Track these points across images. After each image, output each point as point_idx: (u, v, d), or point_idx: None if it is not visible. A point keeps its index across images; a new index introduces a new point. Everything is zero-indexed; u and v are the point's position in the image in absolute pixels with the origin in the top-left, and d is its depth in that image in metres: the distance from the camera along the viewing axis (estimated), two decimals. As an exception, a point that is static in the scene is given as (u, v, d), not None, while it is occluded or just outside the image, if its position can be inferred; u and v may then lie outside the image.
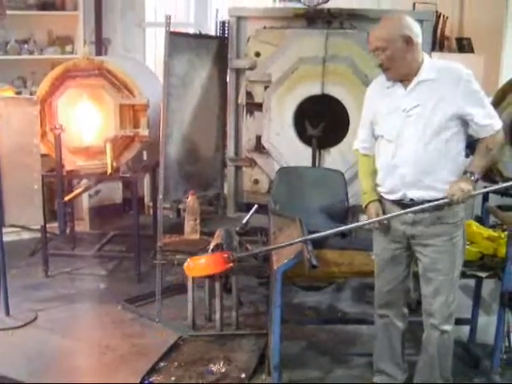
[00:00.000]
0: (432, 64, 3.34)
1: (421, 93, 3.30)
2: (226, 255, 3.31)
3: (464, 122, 3.29)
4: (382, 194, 3.52)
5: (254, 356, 4.12)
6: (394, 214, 3.40)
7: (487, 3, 8.37)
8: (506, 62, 7.75)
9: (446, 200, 3.25)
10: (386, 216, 3.45)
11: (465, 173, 3.28)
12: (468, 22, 9.00)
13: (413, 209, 3.33)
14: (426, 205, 3.31)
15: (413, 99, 3.31)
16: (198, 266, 3.29)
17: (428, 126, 3.26)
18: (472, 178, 3.26)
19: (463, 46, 8.96)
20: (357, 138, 3.74)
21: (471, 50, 8.89)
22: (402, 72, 3.31)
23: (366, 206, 3.59)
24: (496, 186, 3.92)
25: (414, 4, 8.43)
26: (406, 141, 3.32)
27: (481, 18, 8.59)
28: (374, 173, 3.56)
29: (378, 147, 3.52)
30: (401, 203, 3.40)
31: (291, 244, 3.30)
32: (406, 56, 3.27)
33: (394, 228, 3.49)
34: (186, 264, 3.30)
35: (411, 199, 3.35)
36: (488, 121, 3.26)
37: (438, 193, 3.30)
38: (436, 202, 3.28)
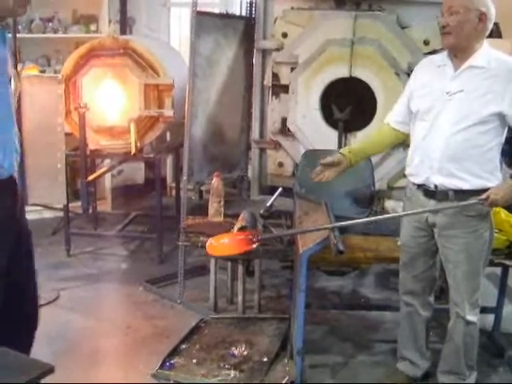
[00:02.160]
0: (488, 52, 3.23)
1: (469, 78, 3.21)
2: (250, 236, 3.24)
3: (505, 120, 3.20)
4: (408, 176, 3.47)
5: (276, 340, 4.07)
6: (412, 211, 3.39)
7: (515, -13, 8.24)
8: (534, 47, 7.63)
9: (476, 201, 3.18)
10: (405, 213, 3.44)
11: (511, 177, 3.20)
12: (496, 7, 8.86)
13: (433, 209, 3.32)
14: (435, 177, 3.28)
15: (459, 83, 3.22)
16: (221, 245, 3.23)
17: (466, 115, 3.18)
18: None
19: (491, 31, 8.82)
20: (392, 111, 3.65)
21: (499, 35, 8.76)
22: (461, 43, 3.19)
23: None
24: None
25: (443, -13, 8.31)
26: (441, 124, 3.25)
27: (509, 2, 8.45)
28: (380, 145, 3.58)
29: (413, 126, 3.45)
30: (424, 188, 3.35)
31: (319, 229, 3.25)
32: (473, 31, 3.16)
33: (418, 215, 3.44)
34: (208, 243, 3.23)
35: (435, 185, 3.30)
36: None
37: (461, 182, 3.24)
38: (466, 203, 3.21)
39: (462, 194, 3.26)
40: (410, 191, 3.50)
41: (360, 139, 5.19)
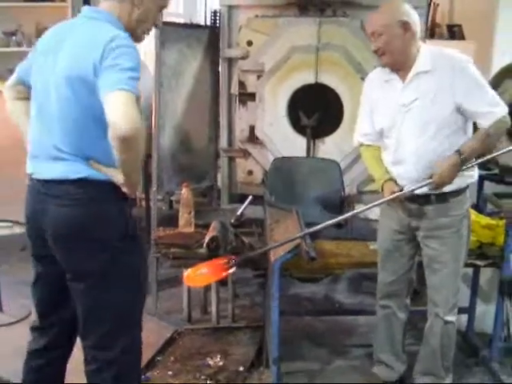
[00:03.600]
0: (428, 53, 3.25)
1: (419, 85, 3.23)
2: (225, 260, 3.25)
3: (464, 115, 3.22)
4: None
5: (251, 349, 4.09)
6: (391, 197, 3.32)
7: (477, -12, 8.35)
8: (498, 48, 7.70)
9: (429, 181, 3.19)
10: (383, 200, 3.37)
11: (456, 151, 3.16)
12: (459, 9, 8.96)
13: (398, 193, 3.29)
14: (411, 187, 3.25)
15: (411, 93, 3.25)
16: (199, 275, 3.23)
17: (429, 121, 3.20)
18: (461, 157, 3.13)
19: (454, 32, 8.92)
20: (357, 132, 3.63)
21: (462, 37, 8.85)
22: (398, 58, 3.24)
23: (382, 189, 3.44)
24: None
25: (406, -10, 8.38)
26: (407, 136, 3.27)
27: (471, 4, 8.54)
28: (380, 157, 3.49)
29: (382, 142, 3.46)
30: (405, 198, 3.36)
31: (291, 241, 3.24)
32: (403, 42, 3.20)
33: (399, 218, 3.46)
34: (185, 274, 3.26)
35: (417, 194, 3.30)
36: (488, 108, 3.15)
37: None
38: (419, 184, 3.22)
39: (444, 196, 3.29)
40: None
41: (330, 147, 5.24)
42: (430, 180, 3.18)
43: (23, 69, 2.78)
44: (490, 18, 7.75)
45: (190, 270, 3.25)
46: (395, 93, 3.31)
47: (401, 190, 3.30)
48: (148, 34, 2.79)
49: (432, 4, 8.34)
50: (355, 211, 3.32)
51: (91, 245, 2.56)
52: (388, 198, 3.31)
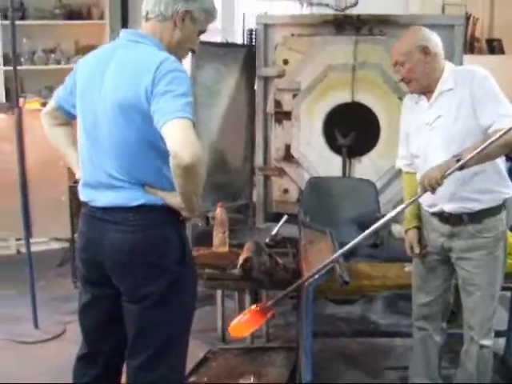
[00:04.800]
0: (451, 72, 3.26)
1: (442, 103, 3.23)
2: (262, 306, 3.26)
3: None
4: (423, 207, 3.44)
5: (284, 370, 4.04)
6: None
7: (517, 3, 8.29)
8: (538, 62, 7.64)
9: (420, 193, 3.14)
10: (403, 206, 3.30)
11: (454, 156, 3.05)
12: (498, 23, 8.91)
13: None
14: (449, 207, 3.24)
15: (434, 111, 3.25)
16: (241, 325, 3.24)
17: (452, 137, 3.17)
18: (456, 160, 3.01)
19: (493, 47, 8.86)
20: (398, 156, 3.64)
21: (502, 52, 8.78)
22: (422, 83, 3.26)
23: (405, 232, 3.54)
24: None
25: (444, 6, 8.35)
26: (432, 155, 3.24)
27: (510, 18, 8.49)
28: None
29: (415, 163, 3.45)
30: (439, 215, 3.34)
31: (324, 267, 3.21)
32: (425, 67, 3.22)
33: (432, 240, 3.42)
34: (230, 327, 3.22)
35: (449, 213, 3.28)
36: (496, 118, 3.05)
37: (473, 203, 3.21)
38: (416, 197, 3.19)
39: (476, 215, 3.24)
40: (424, 217, 3.48)
41: (366, 167, 5.21)
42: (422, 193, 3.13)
43: (61, 95, 2.80)
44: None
45: (233, 323, 3.25)
46: (422, 113, 3.33)
47: (424, 247, 3.43)
48: (185, 57, 2.80)
49: (471, 18, 8.29)
50: (382, 220, 3.23)
51: (150, 269, 2.59)
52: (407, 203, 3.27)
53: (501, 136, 2.89)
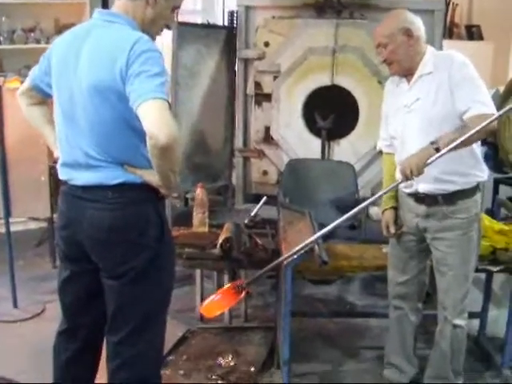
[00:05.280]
0: (431, 56, 3.30)
1: (421, 86, 3.28)
2: (236, 285, 3.29)
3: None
4: (399, 187, 3.47)
5: (262, 349, 4.10)
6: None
7: (497, -11, 8.32)
8: (516, 48, 7.71)
9: (400, 180, 3.19)
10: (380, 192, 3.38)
11: (431, 142, 3.10)
12: (477, 9, 8.94)
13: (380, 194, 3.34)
14: (423, 187, 3.29)
15: (414, 94, 3.30)
16: (213, 305, 3.28)
17: (429, 119, 3.21)
18: (435, 146, 3.06)
19: (472, 33, 8.90)
20: (379, 138, 3.69)
21: (481, 38, 8.83)
22: (404, 65, 3.30)
23: (382, 212, 3.61)
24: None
25: (424, -9, 8.37)
26: (409, 136, 3.30)
27: (491, 4, 8.52)
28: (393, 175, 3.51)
29: (393, 145, 3.51)
30: (415, 196, 3.39)
31: (304, 248, 3.25)
32: (408, 49, 3.26)
33: (407, 220, 3.48)
34: (202, 307, 3.35)
35: (423, 193, 3.33)
36: (471, 104, 3.10)
37: (448, 185, 3.26)
38: (392, 185, 3.28)
39: (450, 196, 3.29)
40: (400, 198, 3.54)
41: (345, 149, 5.25)
42: (401, 179, 3.17)
43: (36, 74, 2.81)
44: (508, 18, 7.74)
45: (205, 303, 3.29)
46: (402, 95, 3.37)
47: (399, 227, 3.52)
48: (160, 34, 2.80)
49: (451, 4, 8.32)
50: (362, 204, 3.29)
51: (129, 246, 2.62)
52: (389, 188, 3.35)
53: (482, 127, 2.94)
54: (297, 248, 3.24)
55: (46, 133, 2.90)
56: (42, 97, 2.83)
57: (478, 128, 2.94)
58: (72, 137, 2.62)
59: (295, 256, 3.25)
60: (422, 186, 3.30)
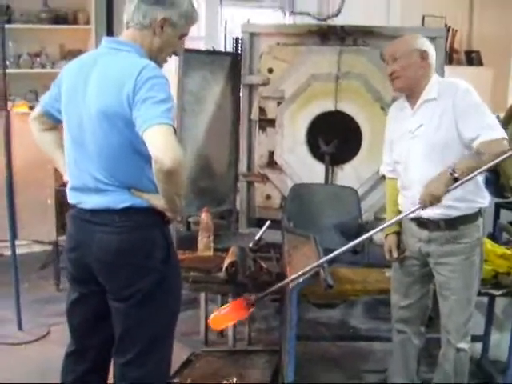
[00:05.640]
0: (438, 83, 3.34)
1: (425, 112, 3.31)
2: (246, 301, 3.33)
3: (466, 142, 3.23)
4: (401, 211, 3.51)
5: (267, 372, 4.11)
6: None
7: (496, 16, 8.43)
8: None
9: (418, 207, 3.21)
10: (386, 224, 3.46)
11: (449, 168, 3.13)
12: (477, 35, 9.04)
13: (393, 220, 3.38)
14: (401, 215, 3.34)
15: (417, 119, 3.33)
16: (221, 317, 3.32)
17: (433, 146, 3.25)
18: (452, 173, 3.11)
19: (472, 59, 9.00)
20: (382, 163, 3.74)
21: (480, 63, 8.93)
22: (410, 84, 3.34)
23: (385, 237, 3.63)
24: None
25: (424, 17, 8.48)
26: (413, 161, 3.34)
27: (490, 30, 8.63)
28: (396, 200, 3.57)
29: (396, 170, 3.55)
30: (417, 221, 3.41)
31: (310, 271, 3.28)
32: (418, 70, 3.30)
33: (410, 245, 3.51)
34: (210, 319, 3.34)
35: (426, 219, 3.35)
36: (480, 131, 3.14)
37: (449, 210, 3.27)
38: (409, 212, 3.27)
39: (453, 222, 3.31)
40: (403, 223, 3.55)
41: (348, 174, 5.32)
42: (418, 206, 3.20)
43: (47, 101, 2.87)
44: (508, 44, 7.83)
45: (213, 314, 3.32)
46: (406, 120, 3.41)
47: (402, 251, 3.53)
48: (167, 61, 2.85)
49: (451, 30, 8.42)
50: (368, 234, 3.35)
51: (136, 269, 2.66)
52: (394, 220, 3.41)
53: (504, 159, 3.03)
54: (305, 269, 3.28)
55: (56, 157, 2.94)
56: (53, 122, 2.89)
57: (498, 159, 3.02)
58: (81, 161, 2.68)
59: (304, 276, 3.27)
60: (426, 211, 3.30)
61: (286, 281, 3.38)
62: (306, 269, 3.28)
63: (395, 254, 3.57)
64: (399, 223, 3.57)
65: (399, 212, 3.54)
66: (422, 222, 3.40)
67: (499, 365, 4.24)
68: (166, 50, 2.76)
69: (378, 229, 3.39)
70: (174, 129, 2.46)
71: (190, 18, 2.76)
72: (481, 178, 3.38)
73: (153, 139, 2.41)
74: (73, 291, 2.89)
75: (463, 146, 3.23)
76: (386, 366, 3.96)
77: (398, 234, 3.59)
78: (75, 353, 2.94)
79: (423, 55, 3.31)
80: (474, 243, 3.37)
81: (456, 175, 3.09)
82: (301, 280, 3.30)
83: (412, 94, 3.38)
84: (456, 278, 3.37)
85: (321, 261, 3.32)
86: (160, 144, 2.40)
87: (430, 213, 3.31)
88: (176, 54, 2.89)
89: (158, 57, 2.73)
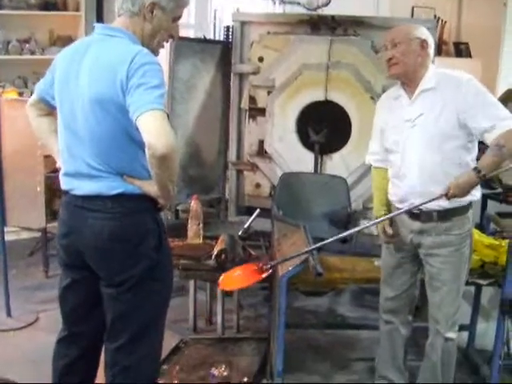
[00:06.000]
0: (434, 73, 3.35)
1: (424, 102, 3.33)
2: (260, 265, 3.35)
3: (471, 132, 3.27)
4: (392, 202, 3.55)
5: (255, 360, 4.13)
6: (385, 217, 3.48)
7: (485, 7, 8.44)
8: (504, 66, 7.80)
9: (441, 194, 3.24)
10: (380, 220, 3.50)
11: (474, 169, 3.21)
12: (466, 27, 9.07)
13: (404, 209, 3.37)
14: (419, 202, 3.31)
15: (416, 108, 3.34)
16: (233, 279, 3.34)
17: (433, 135, 3.27)
18: (478, 173, 3.17)
19: (461, 50, 9.03)
20: (368, 152, 3.75)
21: (469, 55, 8.96)
22: (407, 71, 3.34)
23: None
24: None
25: (413, 8, 8.50)
26: (412, 150, 3.35)
27: (478, 22, 8.65)
28: (386, 186, 3.59)
29: (388, 159, 3.55)
30: (409, 212, 3.41)
31: (304, 253, 3.31)
32: (416, 58, 3.31)
33: (401, 235, 3.53)
34: (221, 278, 3.37)
35: (420, 209, 3.37)
36: (493, 122, 3.17)
37: (444, 202, 3.29)
38: (431, 199, 3.26)
39: (445, 213, 3.35)
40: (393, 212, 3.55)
41: (337, 163, 5.35)
42: (443, 194, 3.23)
43: (42, 88, 2.87)
44: (496, 36, 7.84)
45: (224, 275, 3.34)
46: (402, 109, 3.42)
47: (392, 235, 3.51)
48: (163, 46, 2.85)
49: (440, 22, 8.43)
50: (360, 227, 3.40)
51: (128, 255, 2.67)
52: (394, 214, 3.44)
53: None
54: (298, 253, 3.31)
55: (50, 143, 2.95)
56: (49, 108, 2.90)
57: None
58: (74, 147, 2.69)
59: (294, 265, 3.29)
60: (419, 201, 3.33)
61: (301, 252, 3.36)
62: (301, 251, 3.31)
63: (390, 230, 3.52)
64: (387, 206, 3.59)
65: (388, 201, 3.57)
66: (414, 214, 3.42)
67: (485, 354, 4.28)
68: (160, 35, 2.75)
69: (372, 222, 3.45)
70: (167, 114, 2.48)
71: (179, 0, 2.75)
72: None
73: (146, 125, 2.42)
74: (65, 277, 2.90)
75: (465, 136, 3.27)
76: (373, 354, 3.98)
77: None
78: (67, 338, 2.96)
79: (423, 44, 3.32)
80: (465, 234, 3.41)
81: (483, 173, 3.15)
82: (289, 268, 3.32)
83: (408, 82, 3.38)
84: (447, 269, 3.41)
85: (313, 246, 3.35)
86: (153, 130, 2.41)
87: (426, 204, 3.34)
88: (173, 38, 2.88)
89: (150, 42, 2.73)
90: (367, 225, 3.51)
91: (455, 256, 3.40)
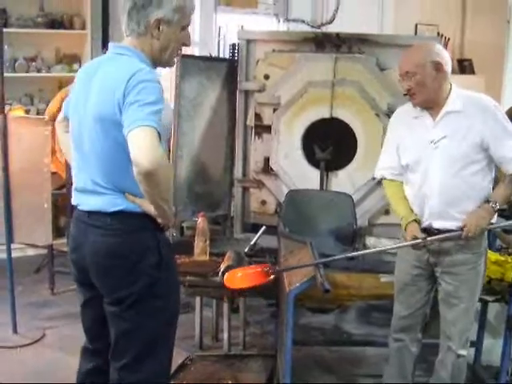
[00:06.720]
0: (459, 94, 3.34)
1: (448, 124, 3.31)
2: (266, 268, 3.36)
3: (490, 156, 3.29)
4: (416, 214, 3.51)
5: (261, 376, 4.12)
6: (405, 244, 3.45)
7: (488, 24, 8.47)
8: (508, 83, 7.83)
9: (459, 233, 3.26)
10: (402, 244, 3.50)
11: (487, 201, 3.26)
12: (469, 44, 9.09)
13: (421, 240, 3.35)
14: (438, 236, 3.32)
15: (440, 130, 3.32)
16: (237, 278, 3.36)
17: (455, 158, 3.28)
18: (493, 206, 3.24)
19: (464, 67, 9.05)
20: (380, 166, 3.68)
21: (472, 72, 8.97)
22: (429, 98, 3.32)
23: (405, 229, 3.46)
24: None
25: (417, 25, 8.54)
26: (433, 172, 3.34)
27: (482, 39, 8.68)
28: (405, 196, 3.54)
29: (405, 176, 3.52)
30: (426, 231, 3.40)
31: (311, 265, 3.33)
32: (435, 82, 3.27)
33: (418, 254, 3.50)
34: (225, 276, 3.43)
35: (436, 229, 3.37)
36: None
37: (461, 222, 3.31)
38: (448, 234, 3.29)
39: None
40: None
41: (343, 180, 5.37)
42: (460, 232, 3.27)
43: (67, 106, 2.91)
44: (500, 53, 7.86)
45: (229, 273, 3.38)
46: (424, 129, 3.38)
47: (424, 238, 3.35)
48: (178, 55, 2.85)
49: (443, 39, 8.46)
50: (375, 249, 3.39)
51: (126, 272, 2.67)
52: (410, 243, 3.39)
53: None
54: (312, 262, 3.34)
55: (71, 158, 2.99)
56: None
57: None
58: (81, 164, 2.73)
59: (302, 281, 3.30)
60: (439, 222, 3.35)
61: (313, 262, 3.37)
62: (310, 263, 3.32)
63: (421, 234, 3.38)
64: (412, 210, 3.49)
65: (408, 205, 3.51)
66: (432, 233, 3.39)
67: (492, 370, 4.28)
68: (170, 47, 2.75)
69: (396, 245, 3.53)
70: (158, 131, 2.45)
71: (184, 9, 2.72)
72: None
73: (133, 141, 2.42)
74: (80, 295, 2.93)
75: (486, 160, 3.30)
76: (379, 371, 3.95)
77: (418, 222, 3.42)
78: (88, 350, 2.98)
79: (437, 67, 3.26)
80: (481, 252, 3.44)
81: (499, 206, 3.24)
82: (297, 284, 3.33)
83: (432, 105, 3.36)
84: (464, 287, 3.41)
85: (319, 260, 3.36)
86: (139, 146, 2.41)
87: (444, 224, 3.35)
88: (186, 45, 2.89)
89: (162, 57, 2.74)
90: (396, 246, 3.50)
91: (472, 274, 3.41)
